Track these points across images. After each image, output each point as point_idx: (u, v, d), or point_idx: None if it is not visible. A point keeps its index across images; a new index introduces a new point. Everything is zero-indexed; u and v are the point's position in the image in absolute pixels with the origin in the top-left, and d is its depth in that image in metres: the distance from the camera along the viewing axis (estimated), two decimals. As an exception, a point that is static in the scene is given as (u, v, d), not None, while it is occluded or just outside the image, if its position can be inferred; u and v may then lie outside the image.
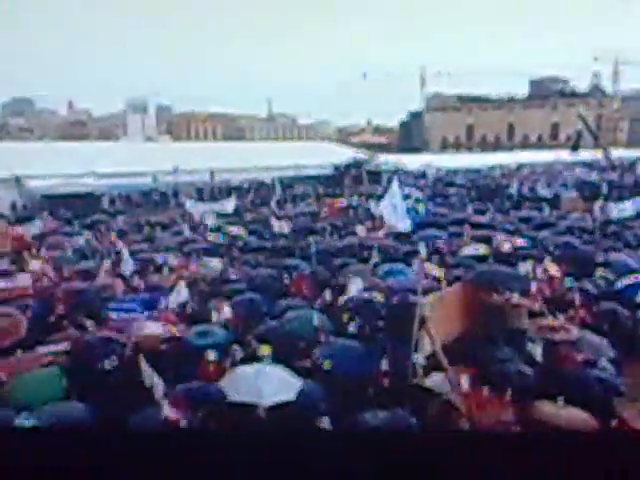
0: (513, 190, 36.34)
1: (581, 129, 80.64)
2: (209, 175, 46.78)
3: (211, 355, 8.91)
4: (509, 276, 11.21)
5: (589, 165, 66.47)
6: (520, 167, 69.06)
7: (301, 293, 13.55)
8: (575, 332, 10.55)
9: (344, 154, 61.06)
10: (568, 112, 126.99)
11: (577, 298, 12.57)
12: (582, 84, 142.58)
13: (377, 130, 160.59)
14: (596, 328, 11.01)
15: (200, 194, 42.41)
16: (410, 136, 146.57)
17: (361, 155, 58.96)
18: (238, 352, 9.53)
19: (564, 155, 78.87)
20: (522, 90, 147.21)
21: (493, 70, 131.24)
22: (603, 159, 65.76)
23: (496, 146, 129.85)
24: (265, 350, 9.42)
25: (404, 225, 17.89)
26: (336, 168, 52.27)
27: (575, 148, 79.57)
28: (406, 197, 29.69)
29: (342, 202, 29.13)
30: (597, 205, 22.30)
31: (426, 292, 9.94)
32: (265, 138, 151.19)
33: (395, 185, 17.83)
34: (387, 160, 59.20)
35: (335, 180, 49.58)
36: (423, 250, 15.55)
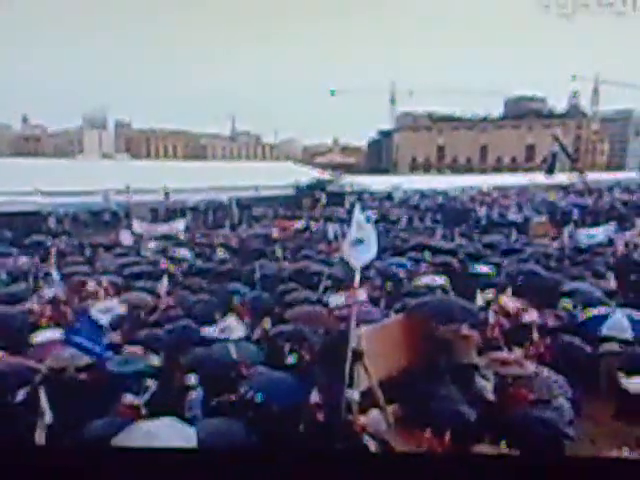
0: (482, 214, 36.56)
1: (556, 151, 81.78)
2: (163, 195, 46.18)
3: (127, 398, 8.57)
4: (457, 306, 10.93)
5: (564, 189, 67.43)
6: (491, 190, 69.61)
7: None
8: (530, 367, 10.30)
9: (308, 175, 61.10)
10: (545, 133, 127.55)
11: (535, 331, 12.38)
12: (560, 104, 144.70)
13: (345, 150, 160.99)
14: (553, 364, 10.77)
15: (154, 214, 41.94)
16: (379, 156, 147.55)
17: (324, 176, 58.98)
18: (153, 387, 9.24)
19: (539, 178, 79.96)
20: (496, 110, 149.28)
21: (466, 88, 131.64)
22: (579, 182, 66.78)
23: (468, 168, 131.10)
24: (191, 379, 9.33)
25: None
26: (297, 189, 52.11)
27: (550, 171, 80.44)
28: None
29: (297, 224, 28.93)
30: (566, 231, 22.37)
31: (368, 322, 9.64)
32: (227, 157, 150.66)
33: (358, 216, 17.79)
34: (351, 181, 59.16)
35: (296, 201, 49.62)
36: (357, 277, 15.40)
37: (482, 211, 38.02)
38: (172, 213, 42.80)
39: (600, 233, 22.89)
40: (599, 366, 11.80)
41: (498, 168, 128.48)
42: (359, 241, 18.24)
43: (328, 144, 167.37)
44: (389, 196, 57.89)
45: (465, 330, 10.11)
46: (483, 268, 18.90)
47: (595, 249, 22.72)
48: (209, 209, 44.29)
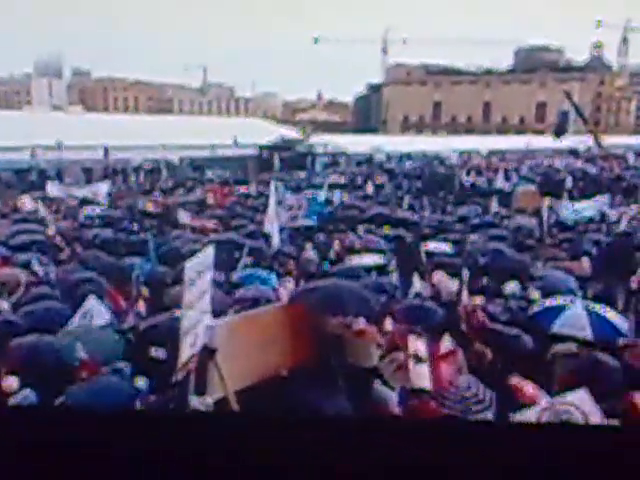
0: (466, 181, 35.64)
1: (567, 110, 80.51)
2: (103, 152, 45.02)
3: None
4: (353, 295, 9.74)
5: (575, 154, 66.60)
6: (490, 155, 68.78)
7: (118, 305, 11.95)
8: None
9: (278, 133, 59.94)
10: (559, 90, 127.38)
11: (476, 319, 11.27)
12: (579, 56, 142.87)
13: (330, 106, 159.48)
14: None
15: (89, 175, 40.67)
16: (367, 114, 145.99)
17: (294, 134, 57.76)
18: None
19: (548, 142, 78.78)
20: (503, 62, 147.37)
21: (469, 37, 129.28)
22: (595, 147, 65.78)
23: (468, 129, 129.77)
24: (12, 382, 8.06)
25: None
26: (261, 149, 50.88)
27: (559, 133, 79.24)
28: (319, 186, 29.07)
29: (241, 189, 27.92)
30: (546, 203, 21.17)
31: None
32: (197, 112, 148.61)
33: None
34: (326, 142, 57.94)
35: (260, 163, 48.46)
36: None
37: (467, 178, 36.95)
38: (111, 173, 41.57)
39: (589, 207, 21.77)
40: (549, 370, 10.64)
41: (504, 129, 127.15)
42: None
43: (311, 99, 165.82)
44: (369, 159, 56.83)
45: (361, 325, 8.89)
46: (440, 246, 17.69)
47: (584, 226, 21.70)
48: (154, 170, 42.93)
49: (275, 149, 50.18)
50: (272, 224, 17.57)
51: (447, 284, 14.73)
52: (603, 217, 22.17)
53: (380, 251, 16.70)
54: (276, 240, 17.05)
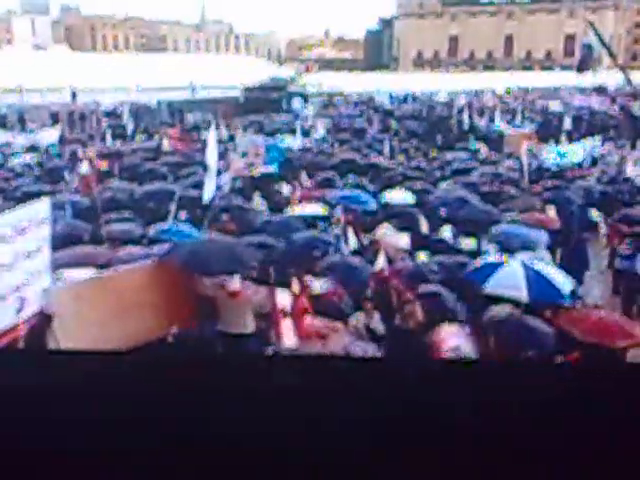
0: (465, 124, 34.99)
1: (590, 42, 78.40)
2: (70, 95, 44.43)
3: None
4: (225, 252, 9.30)
5: (603, 91, 65.29)
6: (504, 94, 67.66)
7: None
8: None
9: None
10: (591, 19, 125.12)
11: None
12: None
13: (339, 43, 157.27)
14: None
15: (55, 119, 40.12)
16: (379, 50, 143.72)
17: (286, 74, 56.80)
18: None
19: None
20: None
21: None
22: (625, 82, 64.07)
23: (488, 65, 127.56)
24: None
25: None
26: (247, 90, 49.95)
27: (582, 68, 77.18)
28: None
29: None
30: (523, 146, 20.40)
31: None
32: (193, 50, 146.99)
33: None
34: (320, 81, 57.03)
35: (243, 105, 47.55)
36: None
37: (467, 120, 36.24)
38: (79, 118, 41.02)
39: (578, 150, 21.05)
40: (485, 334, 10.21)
41: (527, 65, 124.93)
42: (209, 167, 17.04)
43: (320, 37, 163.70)
44: (369, 100, 55.84)
45: (235, 285, 8.47)
46: (397, 195, 17.24)
47: (570, 171, 21.05)
48: (126, 114, 42.23)
49: (262, 90, 49.22)
50: (209, 173, 17.04)
51: (392, 239, 14.34)
52: (594, 161, 21.49)
53: (325, 202, 16.20)
54: (210, 189, 16.49)
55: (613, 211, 17.01)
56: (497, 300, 10.62)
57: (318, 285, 10.88)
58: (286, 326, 8.67)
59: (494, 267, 11.03)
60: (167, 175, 21.21)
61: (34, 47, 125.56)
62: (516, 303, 10.52)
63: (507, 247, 12.91)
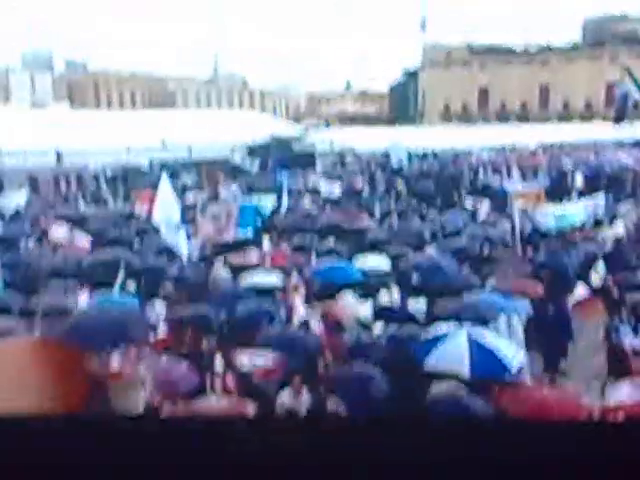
0: (474, 181, 35.45)
1: (628, 90, 78.60)
2: (55, 157, 45.49)
3: None
4: (114, 324, 9.40)
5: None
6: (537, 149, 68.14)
7: None
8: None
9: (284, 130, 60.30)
10: (637, 65, 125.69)
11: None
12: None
13: (363, 96, 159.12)
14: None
15: (34, 184, 41.00)
16: (405, 104, 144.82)
17: (289, 131, 57.70)
18: None
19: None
20: (563, 36, 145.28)
21: (520, 8, 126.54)
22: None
23: (522, 117, 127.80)
24: None
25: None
26: (250, 149, 50.80)
27: (620, 118, 77.27)
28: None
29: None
30: (515, 206, 20.54)
31: None
32: (203, 107, 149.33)
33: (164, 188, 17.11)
34: (331, 138, 57.77)
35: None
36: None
37: (483, 178, 36.87)
38: (64, 181, 41.93)
39: (579, 210, 21.12)
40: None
41: (565, 116, 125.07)
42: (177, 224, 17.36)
43: (341, 90, 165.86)
44: (385, 157, 56.39)
45: (118, 361, 8.58)
46: (370, 261, 17.54)
47: (572, 234, 21.23)
48: (115, 177, 43.17)
49: (263, 149, 49.98)
50: (167, 234, 17.38)
51: (352, 310, 14.48)
52: (598, 223, 21.53)
53: (284, 271, 16.48)
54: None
55: (615, 277, 17.08)
56: (443, 376, 10.71)
57: (247, 361, 10.96)
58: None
59: (439, 340, 11.11)
60: (133, 242, 21.59)
61: (32, 105, 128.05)
62: (461, 380, 10.56)
63: (478, 317, 13.02)
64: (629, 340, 12.84)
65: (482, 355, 10.58)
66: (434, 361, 10.64)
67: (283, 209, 26.62)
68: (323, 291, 15.39)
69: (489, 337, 11.05)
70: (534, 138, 72.84)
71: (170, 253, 18.83)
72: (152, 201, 27.82)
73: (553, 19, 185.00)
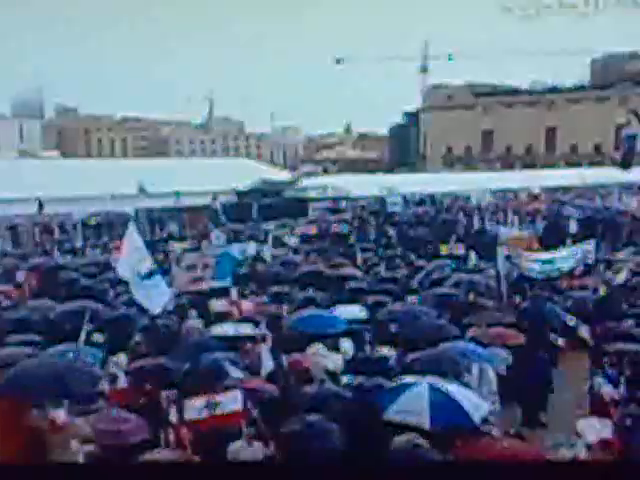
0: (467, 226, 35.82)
1: (635, 134, 79.57)
2: (37, 206, 45.72)
3: None
4: (55, 377, 9.58)
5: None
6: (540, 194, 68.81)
7: None
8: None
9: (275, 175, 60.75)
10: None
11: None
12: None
13: (363, 140, 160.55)
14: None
15: (14, 234, 41.42)
16: (405, 147, 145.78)
17: (278, 176, 58.03)
18: None
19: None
20: (571, 76, 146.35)
21: (527, 47, 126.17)
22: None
23: (528, 162, 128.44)
24: None
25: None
26: (239, 195, 51.21)
27: (627, 164, 78.03)
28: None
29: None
30: (499, 252, 20.76)
31: None
32: (199, 153, 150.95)
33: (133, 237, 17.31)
34: (324, 184, 58.25)
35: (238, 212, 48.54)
36: None
37: (477, 223, 37.27)
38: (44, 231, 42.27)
39: (567, 256, 21.31)
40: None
41: (573, 161, 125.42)
42: (147, 276, 17.51)
43: (340, 134, 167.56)
44: (382, 203, 56.81)
45: (61, 418, 8.73)
46: (347, 311, 17.80)
47: (562, 281, 21.81)
48: (101, 226, 43.56)
49: (252, 195, 50.39)
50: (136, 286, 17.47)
51: (321, 360, 14.67)
52: (589, 268, 21.72)
53: (254, 321, 16.70)
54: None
55: (603, 326, 17.40)
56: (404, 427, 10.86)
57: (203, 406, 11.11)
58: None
59: (401, 391, 11.28)
60: (107, 292, 21.82)
61: (20, 154, 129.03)
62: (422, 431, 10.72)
63: (449, 367, 13.24)
64: (608, 390, 12.95)
65: (443, 405, 10.75)
66: (395, 412, 10.80)
67: (266, 257, 26.88)
68: (295, 341, 15.58)
69: (452, 388, 11.21)
70: (537, 182, 73.54)
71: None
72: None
73: (559, 59, 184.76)
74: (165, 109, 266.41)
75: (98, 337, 16.17)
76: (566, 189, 74.85)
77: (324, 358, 14.70)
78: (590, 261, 21.91)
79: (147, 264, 16.71)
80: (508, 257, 20.59)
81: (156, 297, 16.89)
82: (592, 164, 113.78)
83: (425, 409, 10.62)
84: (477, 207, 48.21)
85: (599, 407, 12.68)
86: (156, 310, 16.52)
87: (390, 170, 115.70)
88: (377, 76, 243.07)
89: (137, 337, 16.37)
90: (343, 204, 55.77)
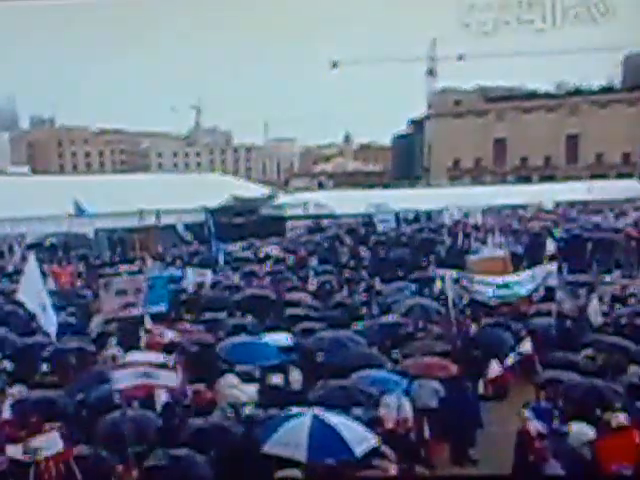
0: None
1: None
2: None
3: None
4: None
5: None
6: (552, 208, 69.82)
7: None
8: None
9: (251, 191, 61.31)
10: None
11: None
12: None
13: (365, 150, 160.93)
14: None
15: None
16: (409, 159, 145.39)
17: (250, 193, 58.53)
18: None
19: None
20: (596, 78, 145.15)
21: (544, 47, 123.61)
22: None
23: (547, 174, 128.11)
24: None
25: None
26: (208, 213, 51.87)
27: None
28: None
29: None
30: (447, 275, 21.37)
31: None
32: (182, 167, 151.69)
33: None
34: (305, 201, 58.98)
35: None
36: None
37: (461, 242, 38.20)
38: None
39: (525, 280, 21.79)
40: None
41: (599, 173, 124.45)
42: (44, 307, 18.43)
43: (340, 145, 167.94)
44: (369, 221, 57.41)
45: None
46: (274, 338, 18.69)
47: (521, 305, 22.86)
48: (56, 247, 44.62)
49: (223, 213, 51.03)
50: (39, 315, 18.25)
51: (234, 392, 15.43)
52: (550, 293, 22.22)
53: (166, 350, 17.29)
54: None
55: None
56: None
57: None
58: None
59: (283, 421, 11.93)
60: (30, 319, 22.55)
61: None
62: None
63: (358, 397, 14.03)
64: (535, 423, 13.45)
65: (324, 436, 11.34)
66: (273, 443, 11.41)
67: (206, 281, 27.69)
68: (209, 371, 16.31)
69: (337, 419, 11.80)
70: (552, 197, 74.15)
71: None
72: (61, 276, 29.15)
73: (584, 57, 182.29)
74: (146, 121, 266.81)
75: (6, 365, 17.09)
76: (586, 203, 75.49)
77: (235, 389, 15.39)
78: (553, 284, 22.25)
79: (44, 294, 17.76)
80: (457, 281, 21.06)
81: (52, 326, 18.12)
82: (620, 176, 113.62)
83: (304, 441, 11.21)
84: (465, 226, 49.00)
85: (524, 441, 13.15)
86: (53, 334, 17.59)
87: (387, 185, 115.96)
88: (379, 80, 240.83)
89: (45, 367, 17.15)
90: (325, 222, 56.49)
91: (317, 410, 11.95)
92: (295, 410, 12.38)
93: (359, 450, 11.26)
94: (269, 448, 11.40)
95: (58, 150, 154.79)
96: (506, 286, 21.51)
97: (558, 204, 72.58)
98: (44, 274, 31.65)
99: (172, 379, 14.24)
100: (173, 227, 49.35)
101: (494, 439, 14.93)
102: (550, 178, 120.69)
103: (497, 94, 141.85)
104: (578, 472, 12.40)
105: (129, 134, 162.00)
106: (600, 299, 23.46)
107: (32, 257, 18.74)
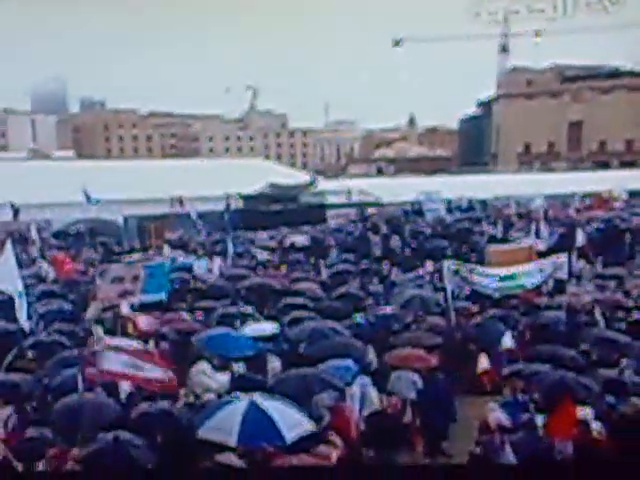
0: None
1: None
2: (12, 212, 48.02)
3: None
4: None
5: None
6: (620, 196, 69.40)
7: None
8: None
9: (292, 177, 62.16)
10: None
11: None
12: None
13: (432, 134, 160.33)
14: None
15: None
16: (478, 143, 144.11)
17: (289, 180, 59.04)
18: None
19: None
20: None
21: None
22: None
23: (627, 160, 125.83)
24: None
25: None
26: (246, 200, 52.78)
27: None
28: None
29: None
30: (445, 266, 21.72)
31: None
32: (234, 152, 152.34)
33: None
34: (350, 188, 59.50)
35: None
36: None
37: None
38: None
39: (531, 272, 22.00)
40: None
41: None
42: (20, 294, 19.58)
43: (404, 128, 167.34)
44: (418, 210, 57.77)
45: None
46: (257, 327, 19.51)
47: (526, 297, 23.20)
48: (81, 234, 45.84)
49: (260, 201, 51.81)
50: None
51: (204, 380, 16.43)
52: (560, 285, 22.55)
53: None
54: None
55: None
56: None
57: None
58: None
59: (220, 407, 12.82)
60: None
61: (30, 154, 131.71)
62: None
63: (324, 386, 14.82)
64: (497, 415, 14.12)
65: (257, 421, 12.13)
66: (206, 429, 12.28)
67: (215, 271, 28.61)
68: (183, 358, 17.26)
69: (273, 404, 12.59)
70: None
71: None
72: (62, 263, 30.20)
73: None
74: (197, 103, 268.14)
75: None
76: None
77: (205, 377, 16.33)
78: (563, 276, 22.47)
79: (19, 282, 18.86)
80: (456, 272, 21.35)
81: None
82: None
83: (236, 426, 12.03)
84: (517, 214, 49.19)
85: (484, 433, 13.85)
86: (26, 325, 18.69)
87: (459, 171, 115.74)
88: (447, 59, 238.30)
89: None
90: (371, 211, 56.93)
91: (257, 396, 12.75)
92: (236, 395, 13.22)
93: (291, 435, 11.98)
94: (203, 433, 12.23)
95: (104, 134, 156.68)
96: (511, 277, 21.69)
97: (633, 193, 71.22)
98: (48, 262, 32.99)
99: (156, 371, 15.20)
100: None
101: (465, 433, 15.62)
102: (631, 164, 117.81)
103: (572, 73, 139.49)
104: (536, 461, 12.86)
105: (179, 117, 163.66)
106: (627, 293, 23.86)
107: (8, 244, 19.61)
